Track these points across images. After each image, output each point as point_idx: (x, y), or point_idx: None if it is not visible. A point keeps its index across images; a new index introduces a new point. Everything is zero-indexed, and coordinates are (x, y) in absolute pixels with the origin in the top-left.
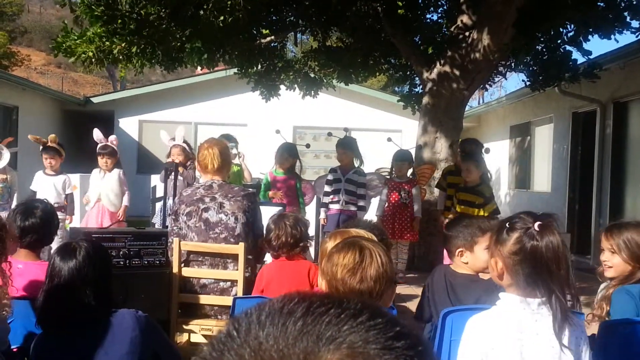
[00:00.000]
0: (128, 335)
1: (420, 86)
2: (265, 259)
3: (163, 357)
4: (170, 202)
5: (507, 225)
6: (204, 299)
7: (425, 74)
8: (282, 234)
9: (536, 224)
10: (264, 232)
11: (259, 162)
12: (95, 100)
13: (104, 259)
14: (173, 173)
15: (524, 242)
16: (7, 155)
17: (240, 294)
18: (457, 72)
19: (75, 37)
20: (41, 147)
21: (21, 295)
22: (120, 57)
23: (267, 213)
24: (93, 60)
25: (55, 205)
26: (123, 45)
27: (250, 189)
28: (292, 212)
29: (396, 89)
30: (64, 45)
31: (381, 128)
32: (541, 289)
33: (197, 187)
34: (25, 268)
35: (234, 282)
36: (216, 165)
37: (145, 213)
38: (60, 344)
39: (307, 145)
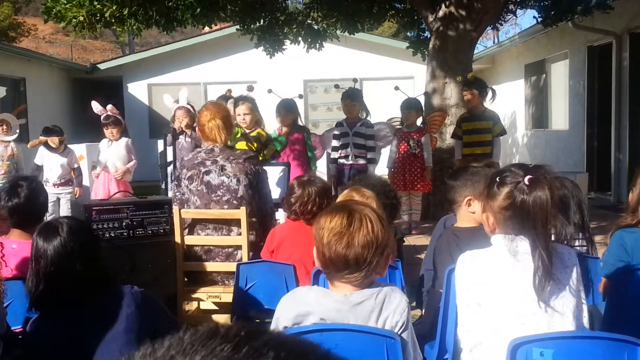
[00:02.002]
0: (124, 312)
1: (428, 31)
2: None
3: (163, 331)
4: (170, 168)
5: (497, 179)
6: (209, 267)
7: (431, 17)
8: (309, 200)
9: (526, 178)
10: (286, 190)
11: (270, 119)
12: (102, 66)
13: (88, 233)
14: (172, 138)
15: (514, 196)
16: (17, 130)
17: (245, 259)
18: (463, 13)
19: (65, 2)
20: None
21: (18, 275)
22: (113, 21)
23: (270, 172)
24: (84, 24)
25: (63, 180)
26: (114, 7)
27: (253, 152)
28: (302, 169)
29: (408, 34)
30: (53, 10)
31: (393, 76)
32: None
33: (199, 151)
34: (20, 247)
35: (238, 246)
36: (223, 137)
37: (157, 178)
38: (56, 325)
39: (300, 96)
